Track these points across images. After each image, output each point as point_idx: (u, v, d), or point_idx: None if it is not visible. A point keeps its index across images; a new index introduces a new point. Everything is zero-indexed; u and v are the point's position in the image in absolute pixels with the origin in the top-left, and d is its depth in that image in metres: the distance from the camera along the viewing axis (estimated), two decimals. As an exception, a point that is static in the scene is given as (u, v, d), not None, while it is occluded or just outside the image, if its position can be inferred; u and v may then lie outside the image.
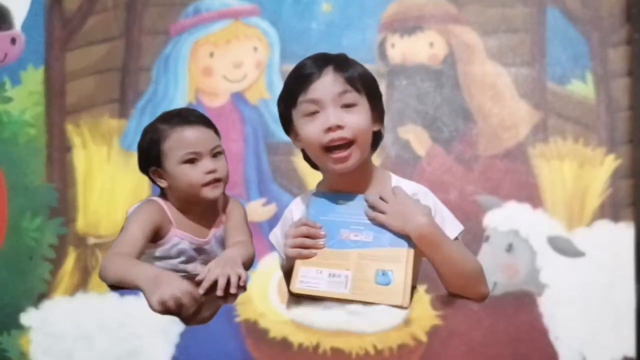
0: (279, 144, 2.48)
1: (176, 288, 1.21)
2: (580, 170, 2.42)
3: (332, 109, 1.25)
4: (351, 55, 2.48)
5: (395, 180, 1.38)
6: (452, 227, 1.31)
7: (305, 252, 1.22)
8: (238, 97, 2.49)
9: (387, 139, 2.44)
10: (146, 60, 2.55)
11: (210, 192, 1.54)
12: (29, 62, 2.50)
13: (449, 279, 1.25)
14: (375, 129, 1.33)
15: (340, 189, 1.33)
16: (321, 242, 1.23)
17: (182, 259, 1.58)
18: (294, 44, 2.49)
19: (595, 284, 2.37)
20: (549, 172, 2.43)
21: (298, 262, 1.22)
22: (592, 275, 2.37)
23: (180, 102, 2.52)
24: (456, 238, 1.31)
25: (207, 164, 1.53)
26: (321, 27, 2.49)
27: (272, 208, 2.45)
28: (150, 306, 1.21)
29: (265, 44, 2.50)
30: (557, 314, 2.39)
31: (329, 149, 1.27)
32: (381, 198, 1.25)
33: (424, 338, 2.36)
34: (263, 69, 2.50)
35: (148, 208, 1.54)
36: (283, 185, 2.47)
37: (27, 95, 2.49)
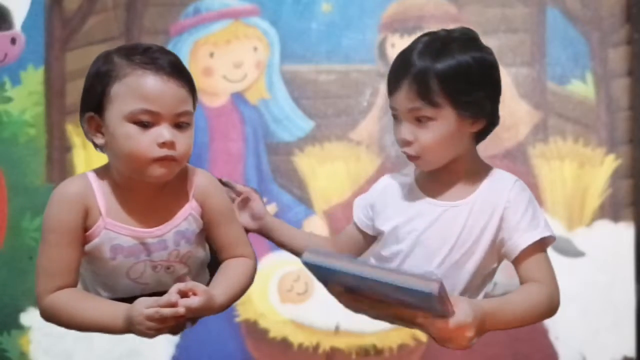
0: (279, 144, 2.48)
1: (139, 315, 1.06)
2: (580, 170, 2.42)
3: (404, 123, 1.21)
4: (351, 55, 2.50)
5: (490, 178, 1.25)
6: (529, 235, 1.23)
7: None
8: (238, 97, 2.49)
9: (387, 139, 2.44)
10: (146, 60, 2.55)
11: (156, 170, 1.13)
12: (29, 62, 2.50)
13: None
14: (474, 129, 1.22)
15: (428, 185, 1.27)
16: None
17: (121, 259, 1.20)
18: (294, 44, 2.49)
19: (595, 284, 2.37)
20: (549, 172, 2.43)
21: None
22: (592, 275, 2.37)
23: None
24: (540, 247, 1.23)
25: (164, 132, 1.12)
26: (321, 27, 2.49)
27: (272, 208, 2.45)
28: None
29: (265, 44, 2.50)
30: (557, 314, 2.38)
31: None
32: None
33: (424, 338, 2.36)
34: (263, 69, 2.50)
35: (67, 200, 1.15)
36: (283, 185, 2.47)
37: (27, 95, 2.49)
